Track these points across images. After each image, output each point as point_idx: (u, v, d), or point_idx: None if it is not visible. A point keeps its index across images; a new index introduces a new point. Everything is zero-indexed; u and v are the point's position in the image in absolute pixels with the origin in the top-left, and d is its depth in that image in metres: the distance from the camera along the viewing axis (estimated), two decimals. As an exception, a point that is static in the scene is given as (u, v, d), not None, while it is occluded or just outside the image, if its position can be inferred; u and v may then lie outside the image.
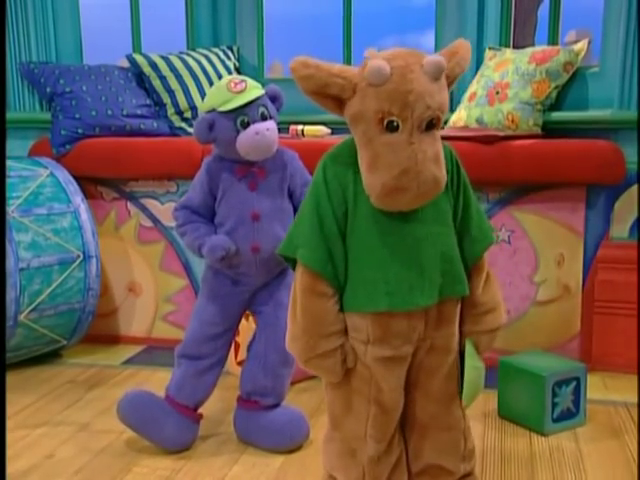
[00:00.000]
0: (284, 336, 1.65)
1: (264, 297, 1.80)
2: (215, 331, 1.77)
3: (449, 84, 1.22)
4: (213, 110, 1.65)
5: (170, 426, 1.76)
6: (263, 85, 1.73)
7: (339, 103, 1.21)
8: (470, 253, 1.30)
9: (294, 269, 1.30)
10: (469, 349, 1.32)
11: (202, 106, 1.71)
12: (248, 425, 1.80)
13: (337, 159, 1.27)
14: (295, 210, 1.73)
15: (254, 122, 1.64)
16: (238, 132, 1.64)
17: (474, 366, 1.32)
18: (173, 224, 1.83)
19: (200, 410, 1.81)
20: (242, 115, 1.64)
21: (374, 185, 1.18)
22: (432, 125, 1.18)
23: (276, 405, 1.80)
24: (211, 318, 1.77)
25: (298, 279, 1.27)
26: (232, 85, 1.64)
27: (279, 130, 1.71)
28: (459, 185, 1.30)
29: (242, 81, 1.66)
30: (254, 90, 1.66)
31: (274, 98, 1.72)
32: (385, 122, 1.16)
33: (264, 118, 1.66)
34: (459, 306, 1.31)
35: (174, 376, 1.80)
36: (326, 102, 1.22)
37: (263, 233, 1.70)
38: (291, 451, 1.77)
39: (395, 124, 1.16)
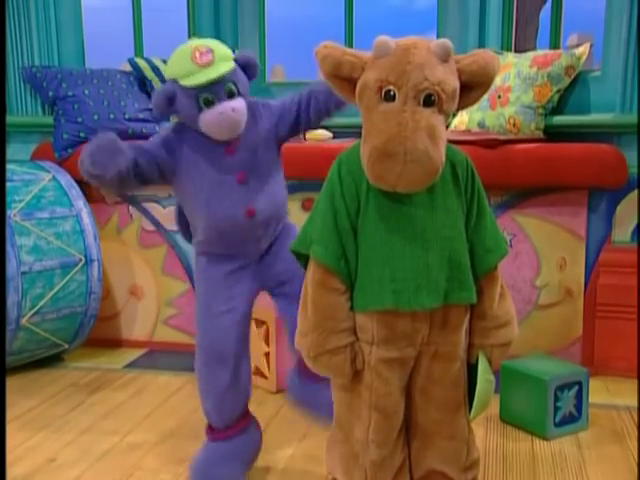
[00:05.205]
0: None
1: (279, 270, 1.59)
2: (229, 321, 1.56)
3: (468, 80, 1.22)
4: (174, 81, 1.45)
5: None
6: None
7: (353, 87, 1.23)
8: (483, 263, 1.30)
9: (305, 267, 1.31)
10: (483, 362, 1.32)
11: (165, 70, 1.49)
12: (301, 391, 1.71)
13: (352, 157, 1.28)
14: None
15: (220, 100, 1.44)
16: (201, 110, 1.44)
17: (487, 379, 1.32)
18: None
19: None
20: (205, 93, 1.43)
21: (365, 152, 1.19)
22: (431, 101, 1.18)
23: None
24: (220, 307, 1.56)
25: (310, 274, 1.28)
26: (197, 55, 1.42)
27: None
28: (473, 193, 1.30)
29: (209, 51, 1.42)
30: (222, 64, 1.44)
31: (246, 66, 1.50)
32: (383, 91, 1.19)
33: (231, 95, 1.45)
34: (467, 315, 1.31)
35: (205, 392, 1.59)
36: (342, 85, 1.24)
37: (255, 195, 1.51)
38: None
39: (392, 93, 1.18)
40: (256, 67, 1.53)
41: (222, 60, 1.45)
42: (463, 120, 2.45)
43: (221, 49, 1.47)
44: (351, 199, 1.26)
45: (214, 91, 1.44)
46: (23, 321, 2.23)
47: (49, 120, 2.64)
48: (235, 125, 1.47)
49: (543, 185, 2.28)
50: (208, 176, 1.51)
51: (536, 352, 2.13)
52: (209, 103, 1.44)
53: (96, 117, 2.56)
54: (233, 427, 1.61)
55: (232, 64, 1.47)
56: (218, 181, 1.51)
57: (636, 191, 2.28)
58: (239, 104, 1.47)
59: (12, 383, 2.25)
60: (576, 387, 1.90)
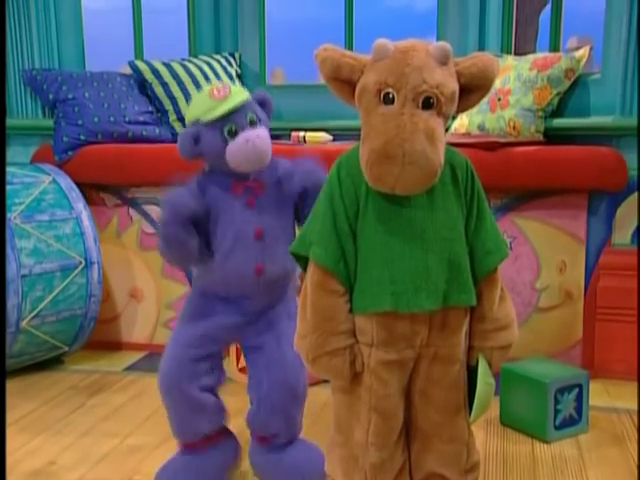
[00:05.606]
0: (292, 371, 1.56)
1: (263, 327, 1.59)
2: (194, 354, 1.56)
3: (468, 83, 1.23)
4: (197, 122, 1.50)
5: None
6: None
7: (353, 90, 1.24)
8: (483, 265, 1.29)
9: (304, 269, 1.31)
10: (483, 365, 1.32)
11: (186, 118, 1.56)
12: (261, 461, 1.66)
13: (351, 159, 1.28)
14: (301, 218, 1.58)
15: (243, 129, 1.48)
16: (226, 142, 1.48)
17: (487, 382, 1.31)
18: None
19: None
20: (229, 123, 1.47)
21: (364, 154, 1.20)
22: (430, 104, 1.19)
23: (291, 441, 1.64)
24: (190, 340, 1.56)
25: (309, 276, 1.28)
26: (214, 92, 1.49)
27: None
28: (472, 195, 1.29)
29: (225, 87, 1.50)
30: (239, 95, 1.50)
31: (262, 103, 1.56)
32: (382, 94, 1.19)
33: (253, 124, 1.50)
34: (467, 317, 1.31)
35: (169, 417, 1.62)
36: (342, 88, 1.25)
37: (268, 253, 1.52)
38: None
39: (391, 96, 1.19)
40: (271, 104, 1.58)
41: (238, 92, 1.51)
42: (463, 123, 2.45)
43: (236, 86, 1.54)
44: (350, 201, 1.26)
45: (236, 121, 1.48)
46: (23, 324, 2.23)
47: (49, 123, 2.65)
48: (261, 154, 1.50)
49: (543, 188, 2.28)
50: (232, 229, 1.51)
51: (536, 355, 2.13)
52: (233, 133, 1.48)
53: (96, 120, 2.56)
54: (200, 442, 1.61)
55: (248, 95, 1.53)
56: (239, 235, 1.51)
57: (636, 194, 2.28)
58: (263, 132, 1.51)
59: (12, 386, 2.25)
60: (576, 390, 1.90)
